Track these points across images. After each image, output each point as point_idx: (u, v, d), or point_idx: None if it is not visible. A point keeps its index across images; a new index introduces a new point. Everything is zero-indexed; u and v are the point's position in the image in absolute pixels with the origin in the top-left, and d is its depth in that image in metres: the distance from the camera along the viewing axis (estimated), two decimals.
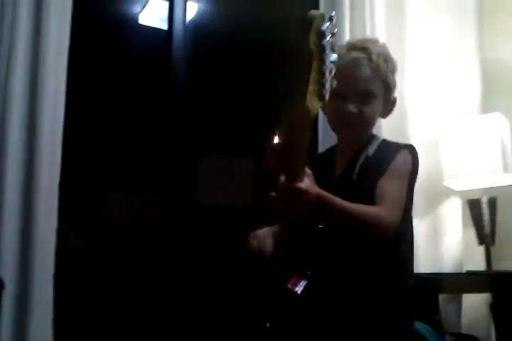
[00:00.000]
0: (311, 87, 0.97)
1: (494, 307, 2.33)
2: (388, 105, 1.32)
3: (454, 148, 2.51)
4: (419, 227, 2.58)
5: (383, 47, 1.33)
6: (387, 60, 1.29)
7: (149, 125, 2.57)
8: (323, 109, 1.27)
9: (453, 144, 2.52)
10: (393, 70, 1.31)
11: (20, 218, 1.95)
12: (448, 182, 2.52)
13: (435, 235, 2.59)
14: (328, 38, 0.96)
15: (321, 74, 0.96)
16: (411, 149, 1.26)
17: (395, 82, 1.31)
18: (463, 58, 2.68)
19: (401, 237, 1.22)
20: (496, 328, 2.34)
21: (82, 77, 2.41)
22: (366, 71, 1.24)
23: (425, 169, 2.53)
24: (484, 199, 2.49)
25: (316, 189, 1.05)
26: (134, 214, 2.61)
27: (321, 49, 0.94)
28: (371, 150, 1.27)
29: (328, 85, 0.98)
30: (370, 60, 1.25)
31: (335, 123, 1.30)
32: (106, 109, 2.60)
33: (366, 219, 1.10)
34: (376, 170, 1.20)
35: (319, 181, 1.23)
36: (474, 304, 2.53)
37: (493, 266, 2.45)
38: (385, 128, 2.34)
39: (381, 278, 1.20)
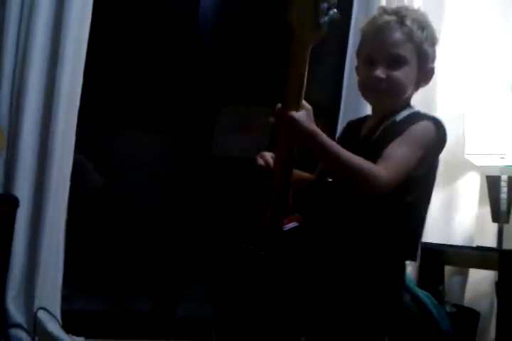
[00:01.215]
0: (306, 18, 0.95)
1: (500, 285, 2.31)
2: (424, 75, 1.27)
3: (479, 122, 2.48)
4: (435, 197, 2.57)
5: (421, 14, 1.28)
6: (424, 26, 1.24)
7: (175, 73, 2.58)
8: (357, 74, 1.27)
9: (479, 119, 2.49)
10: (431, 39, 1.26)
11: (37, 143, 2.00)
12: (469, 156, 2.50)
13: (450, 207, 2.59)
14: None
15: (316, 4, 0.94)
16: (436, 121, 1.22)
17: (433, 51, 1.27)
18: (501, 34, 2.63)
19: (409, 205, 1.20)
20: (499, 306, 2.32)
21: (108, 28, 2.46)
22: (397, 35, 1.20)
23: (448, 140, 2.53)
24: (504, 178, 2.46)
25: (310, 124, 1.05)
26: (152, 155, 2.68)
27: None
28: (400, 116, 1.24)
29: (327, 16, 0.96)
30: (402, 23, 1.20)
31: (363, 89, 1.27)
32: (133, 56, 2.64)
33: (356, 170, 1.08)
34: (393, 135, 1.17)
35: (345, 142, 1.24)
36: (480, 280, 2.53)
37: (504, 244, 2.42)
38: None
39: (373, 235, 1.18)
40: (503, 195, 2.46)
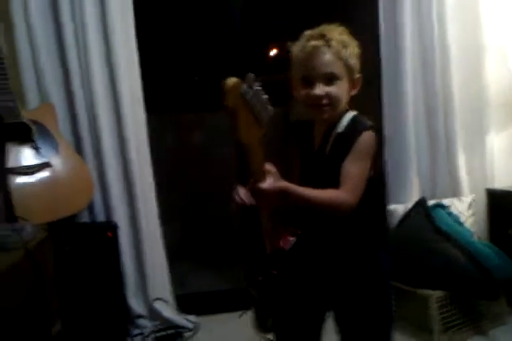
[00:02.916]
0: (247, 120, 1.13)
1: None
2: (353, 84, 1.42)
3: None
4: (496, 142, 2.58)
5: (342, 33, 1.40)
6: (347, 45, 1.37)
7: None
8: (295, 96, 1.44)
9: None
10: (354, 53, 1.39)
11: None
12: None
13: None
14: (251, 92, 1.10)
15: (256, 112, 1.12)
16: (372, 128, 1.36)
17: (357, 63, 1.40)
18: None
19: (371, 205, 1.39)
20: None
21: None
22: (327, 56, 1.36)
23: (497, 80, 2.51)
24: None
25: (278, 184, 1.27)
26: None
27: (248, 103, 1.10)
28: (341, 126, 1.40)
29: (264, 114, 1.14)
30: (329, 46, 1.35)
31: (306, 106, 1.42)
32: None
33: (326, 204, 1.32)
34: (343, 150, 1.35)
35: (302, 148, 1.48)
36: None
37: None
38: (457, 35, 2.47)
39: (352, 233, 1.41)
40: None
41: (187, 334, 2.39)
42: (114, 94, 2.39)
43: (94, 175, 2.37)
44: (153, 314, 2.45)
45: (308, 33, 1.40)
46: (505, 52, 2.51)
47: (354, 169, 1.33)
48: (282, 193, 1.27)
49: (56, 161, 2.16)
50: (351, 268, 1.42)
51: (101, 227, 2.33)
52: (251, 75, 1.11)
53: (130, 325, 2.42)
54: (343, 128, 1.39)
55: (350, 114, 1.42)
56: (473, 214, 2.45)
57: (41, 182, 2.09)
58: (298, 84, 1.41)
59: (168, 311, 2.47)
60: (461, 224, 2.32)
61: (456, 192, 2.54)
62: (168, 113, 3.40)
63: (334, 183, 1.33)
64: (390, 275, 1.46)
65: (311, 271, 1.47)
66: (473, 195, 2.51)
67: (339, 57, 1.35)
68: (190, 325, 2.46)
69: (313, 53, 1.36)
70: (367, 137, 1.34)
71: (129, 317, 2.42)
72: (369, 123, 1.38)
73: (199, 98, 3.21)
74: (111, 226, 2.34)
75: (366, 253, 1.42)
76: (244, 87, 1.10)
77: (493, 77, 2.53)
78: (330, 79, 1.36)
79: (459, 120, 2.54)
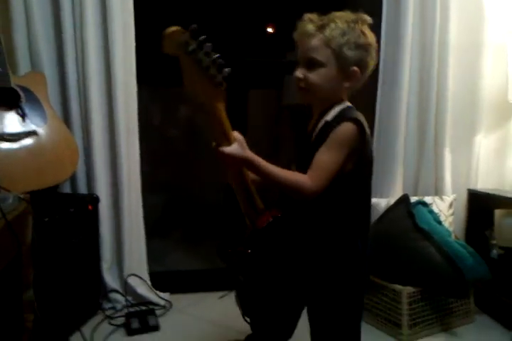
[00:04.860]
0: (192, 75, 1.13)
1: None
2: (346, 76, 1.39)
3: None
4: (485, 142, 2.60)
5: (348, 22, 1.37)
6: (345, 33, 1.35)
7: None
8: None
9: None
10: (354, 43, 1.36)
11: None
12: None
13: (500, 151, 2.61)
14: (193, 44, 1.08)
15: (203, 68, 1.12)
16: (355, 121, 1.35)
17: (356, 54, 1.37)
18: None
19: (351, 195, 1.41)
20: None
21: None
22: (314, 41, 1.35)
23: (493, 83, 2.51)
24: None
25: (243, 153, 1.28)
26: None
27: (190, 54, 1.09)
28: (331, 115, 1.40)
29: (213, 71, 1.12)
30: (321, 30, 1.34)
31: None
32: None
33: (286, 184, 1.33)
34: (323, 138, 1.35)
35: (297, 132, 1.50)
36: None
37: None
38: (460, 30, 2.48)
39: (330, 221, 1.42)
40: None
41: (159, 311, 2.40)
42: (106, 64, 2.34)
43: (80, 146, 2.33)
44: (127, 289, 2.45)
45: (307, 15, 1.38)
46: (504, 53, 2.51)
47: (324, 157, 1.34)
48: (246, 162, 1.29)
49: (43, 130, 2.13)
50: (324, 254, 1.42)
51: (82, 199, 2.32)
52: (194, 26, 1.09)
53: (103, 299, 2.43)
54: (332, 117, 1.39)
55: (343, 105, 1.42)
56: (453, 214, 2.48)
57: (26, 150, 2.06)
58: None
59: (142, 288, 2.48)
60: (440, 222, 2.34)
61: (438, 191, 2.56)
62: (159, 86, 3.34)
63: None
64: (365, 265, 1.47)
65: (285, 253, 1.46)
66: (455, 195, 2.53)
67: (328, 43, 1.34)
68: (162, 303, 2.47)
69: (302, 36, 1.37)
70: (345, 128, 1.34)
71: (102, 291, 2.43)
72: (354, 115, 1.37)
73: None
74: (92, 199, 2.33)
75: (342, 241, 1.42)
76: (186, 35, 1.08)
77: (489, 77, 2.53)
78: (312, 64, 1.36)
79: (450, 118, 2.55)
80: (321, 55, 1.35)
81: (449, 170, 2.57)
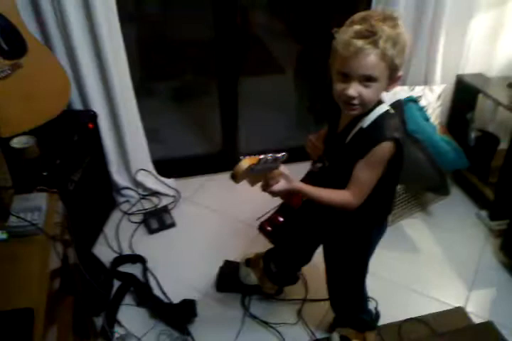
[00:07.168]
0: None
1: None
2: (392, 82, 1.37)
3: None
4: (480, 26, 2.52)
5: (394, 26, 1.27)
6: (396, 42, 1.26)
7: None
8: (331, 73, 1.39)
9: None
10: (402, 51, 1.29)
11: None
12: None
13: (492, 36, 2.57)
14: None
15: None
16: (395, 141, 1.37)
17: (402, 60, 1.32)
18: None
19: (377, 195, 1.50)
20: None
21: None
22: (371, 58, 1.26)
23: None
24: None
25: (290, 186, 1.42)
26: None
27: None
28: (367, 121, 1.40)
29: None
30: (376, 46, 1.25)
31: (338, 99, 1.39)
32: None
33: (332, 204, 1.48)
34: (359, 150, 1.39)
35: (330, 125, 1.59)
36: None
37: None
38: None
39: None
40: None
41: (170, 205, 2.67)
42: None
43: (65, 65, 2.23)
44: (137, 184, 2.69)
45: (356, 27, 1.28)
46: None
47: (364, 175, 1.43)
48: (295, 192, 1.47)
49: (26, 60, 2.00)
50: (343, 228, 1.65)
51: (81, 120, 2.30)
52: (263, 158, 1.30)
53: (116, 195, 2.66)
54: (368, 124, 1.41)
55: (381, 110, 1.42)
56: (441, 105, 2.56)
57: (14, 87, 1.97)
58: (335, 74, 1.37)
59: (150, 181, 2.70)
60: (427, 119, 2.45)
61: (428, 80, 2.59)
62: None
63: (345, 170, 1.45)
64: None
65: (311, 224, 1.76)
66: (445, 85, 2.57)
67: (384, 58, 1.28)
68: (171, 193, 2.74)
69: (356, 53, 1.27)
70: (385, 149, 1.38)
71: (115, 189, 2.64)
72: (393, 129, 1.39)
73: None
74: (91, 117, 2.33)
75: (360, 228, 1.64)
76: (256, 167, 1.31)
77: None
78: (368, 81, 1.32)
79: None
80: (378, 71, 1.30)
81: (440, 55, 2.54)
